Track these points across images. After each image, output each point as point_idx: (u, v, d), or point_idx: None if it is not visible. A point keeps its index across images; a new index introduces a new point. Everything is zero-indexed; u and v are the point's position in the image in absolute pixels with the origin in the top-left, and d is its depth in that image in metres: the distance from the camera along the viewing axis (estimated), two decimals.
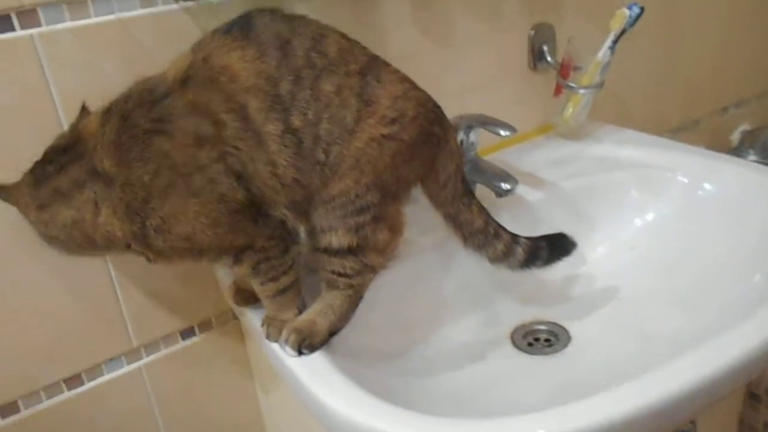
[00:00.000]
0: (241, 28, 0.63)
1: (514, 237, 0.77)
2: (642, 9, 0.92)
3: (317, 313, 0.70)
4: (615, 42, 0.95)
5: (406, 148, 0.68)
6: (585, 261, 0.96)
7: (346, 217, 0.67)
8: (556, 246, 0.80)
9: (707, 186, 0.94)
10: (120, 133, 0.60)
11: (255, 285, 0.70)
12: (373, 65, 0.68)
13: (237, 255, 0.66)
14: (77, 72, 0.71)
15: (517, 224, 0.81)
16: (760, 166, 0.94)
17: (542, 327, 0.90)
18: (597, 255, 0.97)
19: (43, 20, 0.69)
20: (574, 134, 1.07)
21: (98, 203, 0.61)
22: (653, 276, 0.92)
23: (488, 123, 0.87)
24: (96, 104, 0.64)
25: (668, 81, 1.26)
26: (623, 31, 0.94)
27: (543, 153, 1.06)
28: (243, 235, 0.65)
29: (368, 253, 0.70)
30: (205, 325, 0.91)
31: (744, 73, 1.40)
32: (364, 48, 0.69)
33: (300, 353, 0.67)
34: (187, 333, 0.90)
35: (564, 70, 1.01)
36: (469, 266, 0.87)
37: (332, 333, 0.70)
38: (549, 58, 1.05)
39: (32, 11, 0.69)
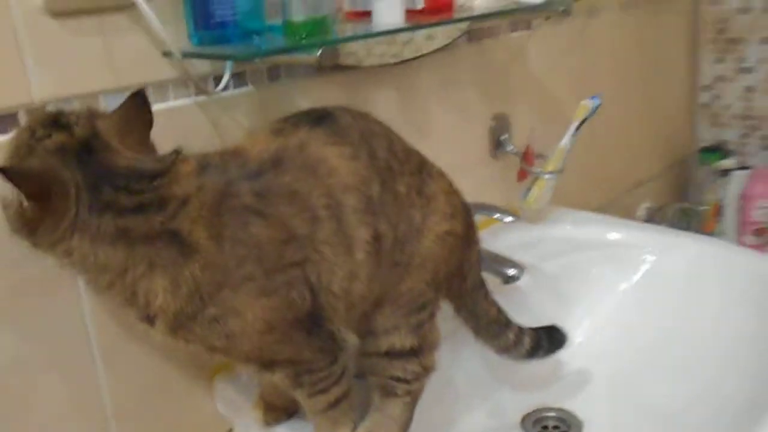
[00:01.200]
0: (330, 123, 0.60)
1: (520, 327, 0.79)
2: (601, 101, 1.00)
3: (377, 425, 0.65)
4: (576, 130, 1.02)
5: (458, 241, 0.67)
6: (570, 342, 0.99)
7: (410, 315, 0.64)
8: (552, 337, 0.82)
9: (671, 260, 1.02)
10: (221, 200, 0.53)
11: (301, 399, 0.63)
12: (422, 161, 0.67)
13: (270, 364, 0.59)
14: None
15: (510, 310, 0.81)
16: (713, 239, 1.04)
17: (551, 414, 0.91)
18: (580, 335, 1.00)
19: None
20: (536, 217, 1.12)
21: (155, 266, 0.51)
22: (635, 350, 0.97)
23: (487, 209, 0.89)
24: None
25: (588, 165, 1.37)
26: (583, 121, 1.02)
27: (512, 236, 1.09)
28: (290, 348, 0.58)
29: (426, 354, 0.67)
30: None
31: (642, 155, 1.57)
32: (409, 145, 0.69)
33: None
34: None
35: (528, 157, 1.07)
36: (475, 358, 0.86)
37: None
38: (509, 147, 1.10)
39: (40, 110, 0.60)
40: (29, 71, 0.59)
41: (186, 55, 0.61)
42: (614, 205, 1.47)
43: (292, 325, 0.56)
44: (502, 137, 1.10)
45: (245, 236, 0.53)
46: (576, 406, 0.91)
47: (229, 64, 0.68)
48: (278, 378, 0.59)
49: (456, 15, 0.81)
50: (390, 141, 0.64)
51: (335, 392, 0.62)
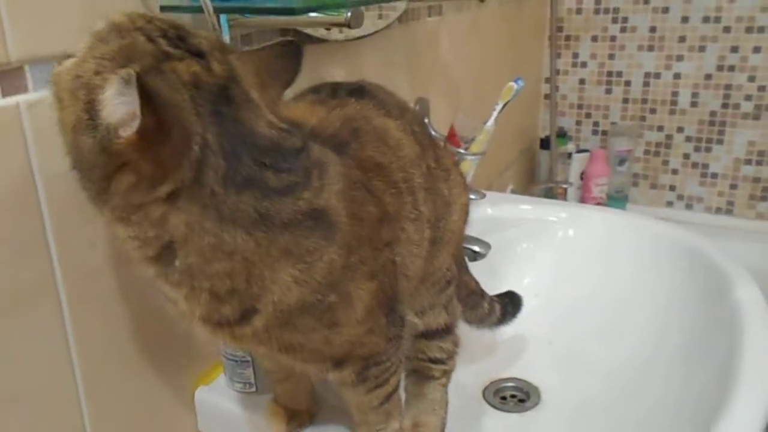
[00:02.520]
0: (371, 96, 0.53)
1: (490, 296, 0.80)
2: (524, 83, 1.04)
3: (423, 412, 0.60)
4: (500, 112, 1.05)
5: (468, 213, 0.65)
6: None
7: (441, 292, 0.61)
8: (513, 302, 0.85)
9: (583, 230, 1.10)
10: (345, 171, 0.44)
11: (355, 396, 0.55)
12: (431, 134, 0.64)
13: (342, 362, 0.51)
14: None
15: None
16: (616, 210, 1.14)
17: (509, 384, 0.93)
18: None
19: (30, 84, 0.47)
20: None
21: (290, 255, 0.40)
22: (567, 316, 1.02)
23: None
24: None
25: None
26: (506, 102, 1.05)
27: None
28: (374, 338, 0.50)
29: (454, 330, 0.64)
30: None
31: (508, 142, 1.68)
32: None
33: None
34: None
35: (454, 139, 1.07)
36: None
37: (442, 430, 0.61)
38: (432, 130, 1.10)
39: (18, 70, 0.46)
40: (4, 25, 0.45)
41: (220, 10, 0.50)
42: (492, 189, 1.55)
43: (380, 312, 0.49)
44: (425, 120, 1.09)
45: (364, 214, 0.45)
46: (528, 373, 0.94)
47: (225, 21, 0.57)
48: (343, 376, 0.51)
49: None
50: (413, 114, 0.60)
51: (393, 383, 0.56)
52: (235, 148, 0.38)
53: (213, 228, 0.38)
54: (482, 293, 0.75)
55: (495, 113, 1.05)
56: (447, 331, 0.62)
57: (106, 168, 0.36)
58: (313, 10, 0.53)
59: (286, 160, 0.40)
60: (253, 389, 0.66)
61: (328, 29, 0.67)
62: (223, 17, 0.56)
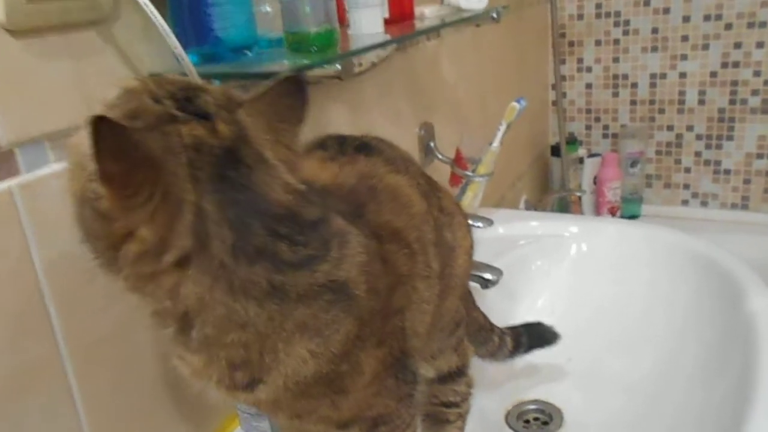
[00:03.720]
0: (377, 151, 0.52)
1: (500, 328, 0.77)
2: (527, 103, 1.02)
3: None
4: (504, 133, 1.03)
5: (472, 254, 0.63)
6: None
7: (451, 336, 0.59)
8: (531, 333, 0.82)
9: (596, 244, 1.07)
10: (369, 245, 0.42)
11: None
12: (430, 177, 0.62)
13: (351, 421, 0.48)
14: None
15: None
16: (629, 221, 1.11)
17: (531, 407, 0.91)
18: None
19: (22, 167, 0.46)
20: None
21: (306, 329, 0.38)
22: (584, 332, 1.00)
23: None
24: None
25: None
26: (510, 123, 1.03)
27: None
28: (382, 401, 0.48)
29: (467, 372, 0.62)
30: None
31: (519, 152, 1.65)
32: None
33: None
34: None
35: (461, 162, 1.06)
36: None
37: None
38: (438, 154, 1.08)
39: (9, 154, 0.45)
40: None
41: (206, 76, 0.49)
42: (504, 201, 1.52)
43: (387, 375, 0.47)
44: (430, 144, 1.08)
45: (380, 285, 0.43)
46: (550, 395, 0.92)
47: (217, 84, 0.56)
48: None
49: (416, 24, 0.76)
50: (416, 165, 0.58)
51: None
52: (244, 216, 0.35)
53: (224, 299, 0.36)
54: (491, 327, 0.73)
55: (499, 134, 1.03)
56: (459, 373, 0.60)
57: (111, 238, 0.35)
58: (307, 68, 0.52)
59: (303, 232, 0.37)
60: None
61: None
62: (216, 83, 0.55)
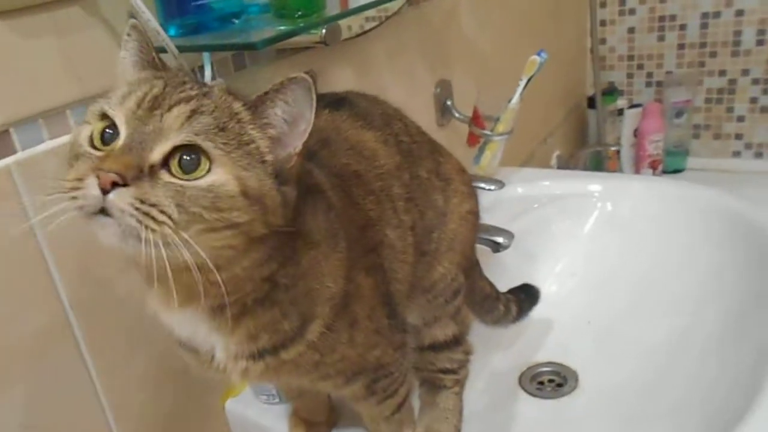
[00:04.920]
0: (350, 107, 0.54)
1: (506, 295, 0.79)
2: (548, 55, 1.01)
3: (435, 421, 0.62)
4: (524, 88, 1.02)
5: (476, 220, 0.65)
6: (544, 297, 1.01)
7: (447, 304, 0.61)
8: (528, 296, 0.84)
9: (624, 203, 1.07)
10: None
11: (368, 408, 0.58)
12: (432, 141, 0.64)
13: (357, 373, 0.54)
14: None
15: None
16: (656, 178, 1.10)
17: (546, 369, 0.92)
18: (552, 288, 1.02)
19: (18, 145, 0.50)
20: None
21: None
22: (607, 294, 1.00)
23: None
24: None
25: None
26: (531, 77, 1.02)
27: None
28: (382, 340, 0.53)
29: (465, 340, 0.65)
30: None
31: (550, 106, 1.63)
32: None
33: None
34: None
35: (478, 121, 1.06)
36: None
37: None
38: (456, 113, 1.08)
39: (4, 133, 0.49)
40: None
41: (183, 50, 0.51)
42: (533, 158, 1.51)
43: (382, 311, 0.51)
44: (447, 103, 1.08)
45: (351, 212, 0.49)
46: (566, 357, 0.93)
47: (207, 56, 0.59)
48: (355, 389, 0.54)
49: None
50: (404, 124, 0.60)
51: (402, 393, 0.58)
52: None
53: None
54: (497, 295, 0.75)
55: (519, 90, 1.02)
56: (456, 342, 0.63)
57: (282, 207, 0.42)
58: (273, 43, 0.54)
59: None
60: (277, 400, 0.70)
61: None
62: (206, 54, 0.57)
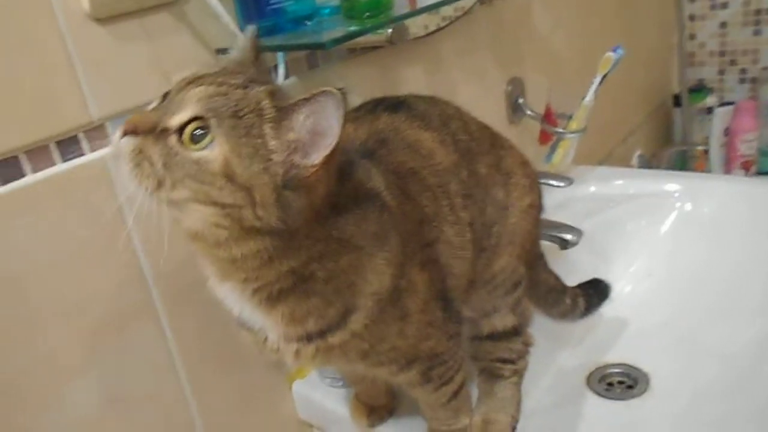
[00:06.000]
0: (408, 109, 0.58)
1: (573, 289, 0.80)
2: (624, 52, 1.01)
3: (493, 409, 0.65)
4: (599, 84, 1.03)
5: (537, 213, 0.67)
6: (613, 298, 1.01)
7: (507, 295, 0.64)
8: (597, 291, 0.84)
9: (703, 203, 1.05)
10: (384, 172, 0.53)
11: (425, 395, 0.61)
12: (493, 135, 0.66)
13: (411, 361, 0.57)
14: None
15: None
16: (739, 178, 1.07)
17: (615, 370, 0.92)
18: (626, 288, 1.02)
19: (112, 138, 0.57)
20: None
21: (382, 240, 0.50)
22: (684, 296, 0.99)
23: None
24: None
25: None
26: (606, 74, 1.02)
27: None
28: (435, 332, 0.56)
29: (524, 331, 0.67)
30: None
31: (632, 104, 1.60)
32: (476, 118, 0.67)
33: None
34: None
35: (550, 118, 1.07)
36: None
37: (514, 428, 0.65)
38: (528, 110, 1.10)
39: (100, 127, 0.56)
40: (83, 86, 0.55)
41: (264, 49, 0.56)
42: (612, 157, 1.50)
43: (436, 304, 0.54)
44: (519, 101, 1.10)
45: (407, 208, 0.52)
46: (638, 358, 0.92)
47: (281, 55, 0.64)
48: (410, 376, 0.57)
49: None
50: (464, 122, 0.63)
51: (458, 380, 0.61)
52: None
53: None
54: (563, 288, 0.76)
55: (593, 87, 1.03)
56: (515, 332, 0.65)
57: (314, 201, 0.46)
58: (340, 43, 0.58)
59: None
60: (340, 384, 0.74)
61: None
62: (279, 54, 0.62)
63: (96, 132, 0.56)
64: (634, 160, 1.62)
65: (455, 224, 0.56)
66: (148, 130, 0.43)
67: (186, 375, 0.66)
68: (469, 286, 0.61)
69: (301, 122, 0.42)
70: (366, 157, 0.53)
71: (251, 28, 0.49)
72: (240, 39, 0.55)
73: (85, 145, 0.56)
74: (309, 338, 0.49)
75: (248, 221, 0.42)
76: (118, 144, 0.43)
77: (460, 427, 0.63)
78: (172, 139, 0.42)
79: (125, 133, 0.43)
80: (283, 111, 0.43)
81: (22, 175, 0.53)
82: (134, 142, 0.43)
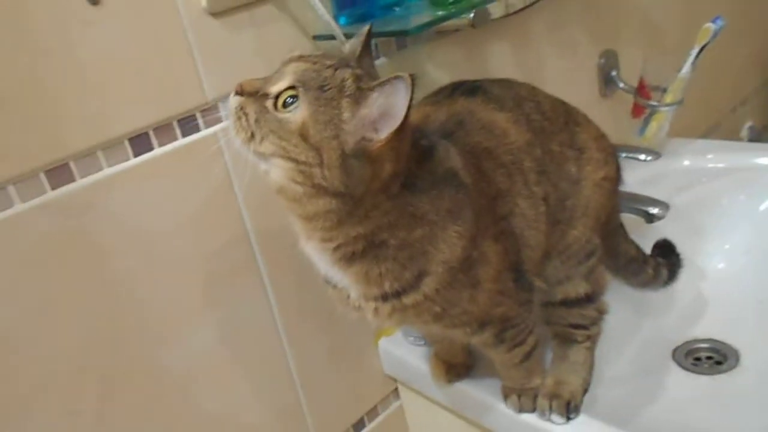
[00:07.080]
0: (483, 93, 0.64)
1: (655, 259, 0.82)
2: (725, 22, 1.00)
3: (565, 372, 0.70)
4: (697, 56, 1.02)
5: (613, 185, 0.70)
6: (705, 274, 1.01)
7: (580, 265, 0.68)
8: (674, 257, 0.86)
9: None
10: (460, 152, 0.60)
11: (499, 355, 0.67)
12: (568, 111, 0.70)
13: (483, 324, 0.63)
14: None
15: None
16: None
17: (703, 345, 0.93)
18: (720, 263, 1.02)
19: (223, 115, 0.66)
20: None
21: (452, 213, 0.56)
22: None
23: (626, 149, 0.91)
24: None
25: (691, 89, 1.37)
26: (704, 46, 1.01)
27: (632, 174, 1.11)
28: (506, 299, 0.62)
29: (598, 299, 0.71)
30: (372, 414, 0.87)
31: (742, 73, 1.55)
32: (551, 96, 0.71)
33: (568, 418, 0.66)
34: (358, 425, 0.86)
35: (644, 91, 1.08)
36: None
37: (585, 390, 0.70)
38: (621, 83, 1.11)
39: (214, 107, 0.65)
40: (200, 72, 0.64)
41: (349, 36, 0.64)
42: (719, 128, 1.46)
43: (508, 275, 0.61)
44: (612, 74, 1.11)
45: (482, 185, 0.58)
46: (728, 335, 0.92)
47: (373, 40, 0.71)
48: (484, 338, 0.63)
49: None
50: (537, 102, 0.67)
51: (530, 342, 0.67)
52: None
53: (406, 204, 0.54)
54: (645, 259, 0.79)
55: (691, 58, 1.03)
56: (588, 299, 0.70)
57: (377, 175, 0.53)
58: (423, 30, 0.64)
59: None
60: (422, 342, 0.82)
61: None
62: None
63: (210, 111, 0.65)
64: (744, 132, 1.57)
65: (529, 198, 0.62)
66: (252, 92, 0.52)
67: (283, 326, 0.76)
68: (544, 258, 0.66)
69: (374, 100, 0.49)
70: (445, 138, 0.59)
71: (366, 26, 0.56)
72: (333, 26, 0.63)
73: (200, 122, 0.65)
74: (384, 298, 0.57)
75: (317, 179, 0.50)
76: (230, 101, 0.53)
77: (533, 386, 0.69)
78: (269, 102, 0.51)
79: (235, 93, 0.53)
80: (361, 90, 0.50)
81: (151, 149, 0.63)
82: (239, 101, 0.52)
